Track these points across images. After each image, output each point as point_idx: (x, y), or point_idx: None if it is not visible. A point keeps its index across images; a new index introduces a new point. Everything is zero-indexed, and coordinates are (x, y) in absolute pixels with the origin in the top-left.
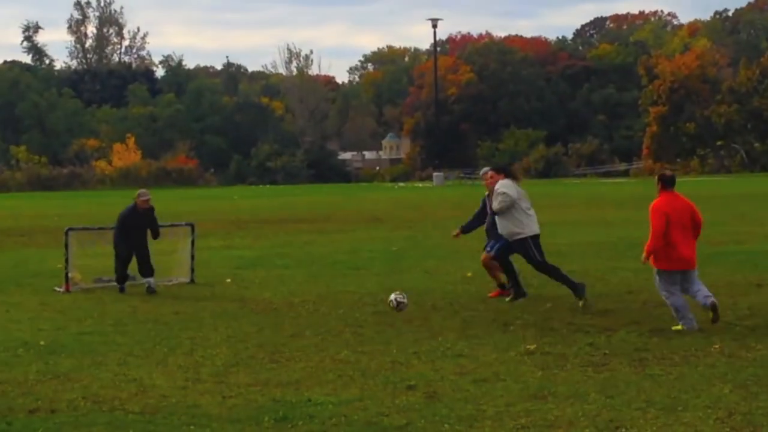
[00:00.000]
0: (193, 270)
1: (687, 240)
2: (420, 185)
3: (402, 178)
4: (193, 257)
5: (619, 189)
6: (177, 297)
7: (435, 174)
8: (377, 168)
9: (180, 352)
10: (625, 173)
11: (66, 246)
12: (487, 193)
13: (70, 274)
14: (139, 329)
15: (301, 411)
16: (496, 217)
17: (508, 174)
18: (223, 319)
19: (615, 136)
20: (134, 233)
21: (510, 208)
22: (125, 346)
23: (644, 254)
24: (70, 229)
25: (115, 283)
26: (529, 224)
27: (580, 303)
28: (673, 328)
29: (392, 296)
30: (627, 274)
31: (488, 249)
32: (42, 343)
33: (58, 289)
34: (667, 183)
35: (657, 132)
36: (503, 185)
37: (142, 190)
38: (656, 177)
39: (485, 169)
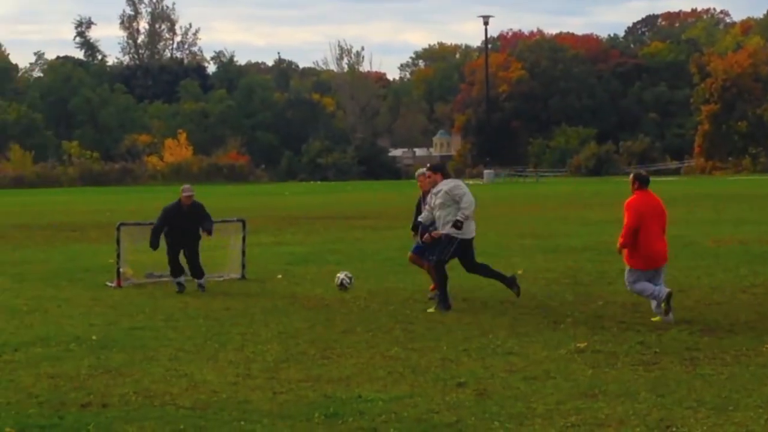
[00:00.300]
0: (244, 266)
1: (661, 236)
2: (470, 183)
3: (452, 175)
4: (244, 253)
5: (671, 187)
6: (228, 293)
7: (485, 171)
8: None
9: (231, 348)
10: (676, 171)
11: (117, 241)
12: (421, 194)
13: (121, 270)
14: (190, 325)
15: (351, 407)
16: (441, 212)
17: (446, 174)
18: (273, 315)
19: (666, 135)
20: (179, 231)
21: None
22: (176, 342)
23: (618, 246)
24: (122, 224)
25: (166, 279)
26: (469, 227)
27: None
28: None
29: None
30: (678, 272)
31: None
32: (94, 337)
33: (109, 284)
34: (642, 182)
35: (709, 130)
36: (458, 186)
37: (185, 185)
38: (631, 176)
39: (421, 170)
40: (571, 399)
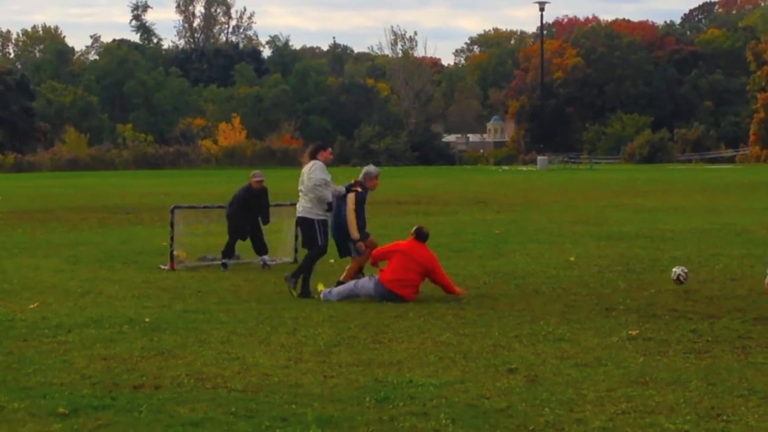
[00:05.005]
0: (296, 250)
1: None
2: (524, 169)
3: (506, 161)
4: (296, 237)
5: (725, 175)
6: (280, 276)
7: (539, 158)
8: (481, 151)
9: (283, 331)
10: (731, 160)
11: (171, 224)
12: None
13: (175, 252)
14: (242, 308)
15: (402, 392)
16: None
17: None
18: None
19: (722, 122)
20: (245, 212)
21: None
22: (228, 325)
23: None
24: (176, 207)
25: (218, 262)
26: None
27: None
28: None
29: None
30: (731, 261)
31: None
32: (147, 320)
33: (163, 266)
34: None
35: (765, 118)
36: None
37: (257, 171)
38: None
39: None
40: (622, 386)
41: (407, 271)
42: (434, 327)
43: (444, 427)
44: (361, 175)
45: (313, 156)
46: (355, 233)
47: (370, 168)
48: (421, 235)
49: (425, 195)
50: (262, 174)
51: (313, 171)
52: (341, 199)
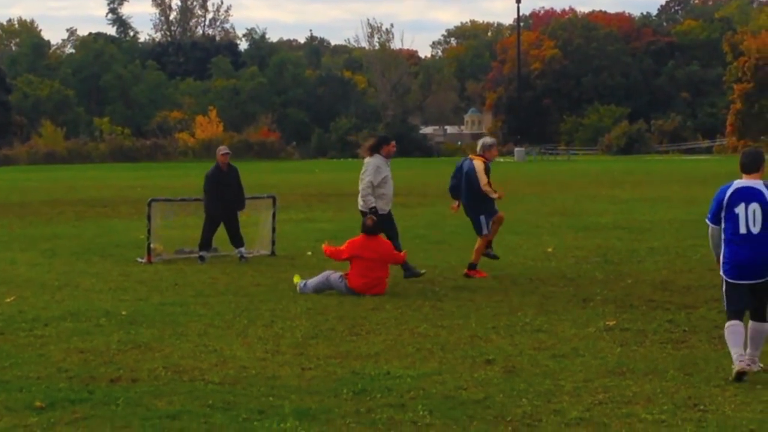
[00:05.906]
0: (274, 242)
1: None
2: (501, 160)
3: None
4: (274, 230)
5: (702, 166)
6: (257, 269)
7: (516, 149)
8: (459, 143)
9: (260, 324)
10: (708, 150)
11: (148, 217)
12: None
13: (152, 245)
14: (219, 301)
15: (379, 384)
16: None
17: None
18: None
19: (698, 113)
20: (218, 195)
21: None
22: (206, 317)
23: None
24: (153, 200)
25: (195, 255)
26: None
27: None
28: None
29: None
30: (708, 251)
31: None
32: (124, 313)
33: (140, 259)
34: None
35: (741, 109)
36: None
37: (221, 146)
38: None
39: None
40: (599, 377)
41: (369, 270)
42: (411, 319)
43: (421, 418)
44: (479, 149)
45: (374, 150)
46: (494, 194)
47: (488, 139)
48: (366, 229)
49: (403, 187)
50: (227, 148)
51: (364, 172)
52: (467, 180)
